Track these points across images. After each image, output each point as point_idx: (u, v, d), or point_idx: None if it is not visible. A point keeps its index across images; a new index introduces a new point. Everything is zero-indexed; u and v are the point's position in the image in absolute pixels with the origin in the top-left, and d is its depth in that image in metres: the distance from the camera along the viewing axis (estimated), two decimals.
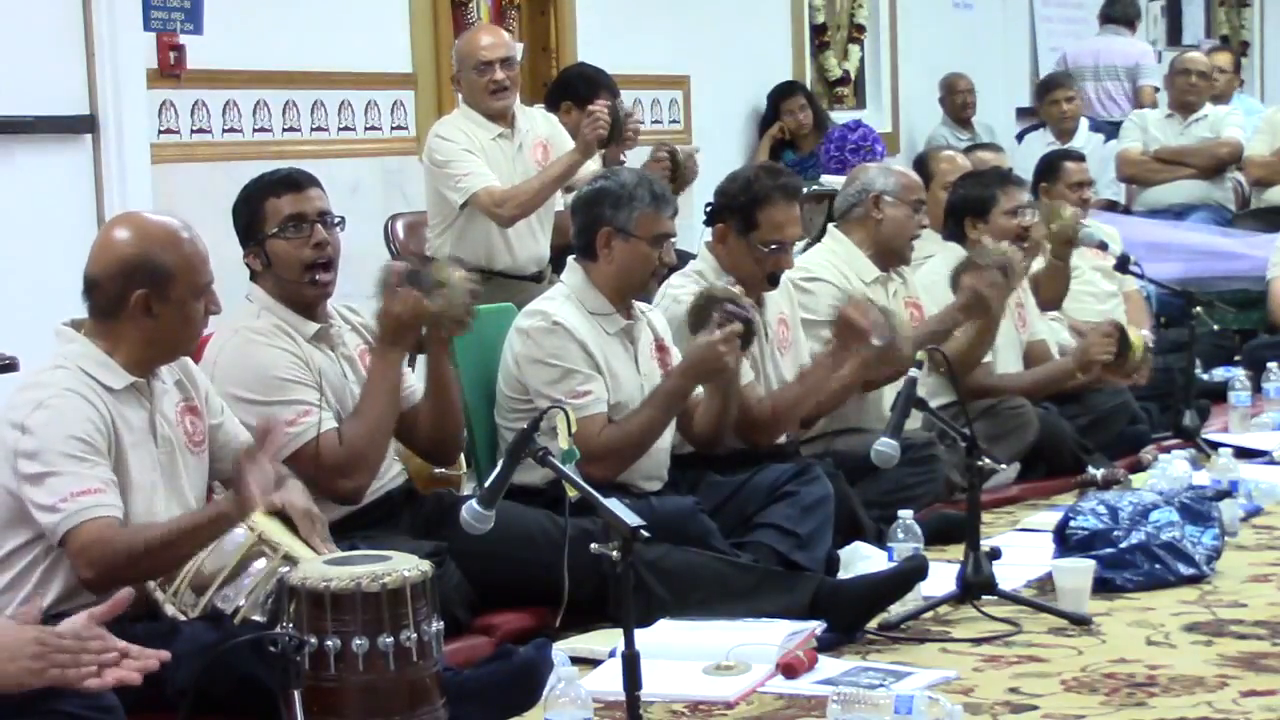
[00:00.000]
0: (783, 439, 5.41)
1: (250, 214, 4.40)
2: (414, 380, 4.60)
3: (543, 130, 6.58)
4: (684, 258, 5.66)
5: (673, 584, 4.44)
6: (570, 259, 5.02)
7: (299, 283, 4.38)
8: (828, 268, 5.88)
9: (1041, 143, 10.25)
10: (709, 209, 5.40)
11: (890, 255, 5.99)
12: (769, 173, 5.47)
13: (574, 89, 6.92)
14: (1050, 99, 10.31)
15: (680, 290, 5.21)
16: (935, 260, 6.42)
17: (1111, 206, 9.93)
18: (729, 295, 4.96)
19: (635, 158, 6.96)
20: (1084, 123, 10.35)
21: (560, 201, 6.55)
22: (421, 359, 4.61)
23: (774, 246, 5.27)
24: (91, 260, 3.77)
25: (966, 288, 5.90)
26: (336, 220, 4.42)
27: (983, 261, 5.94)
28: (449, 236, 6.42)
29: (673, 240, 4.98)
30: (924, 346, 5.24)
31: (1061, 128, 10.22)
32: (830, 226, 6.15)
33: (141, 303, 3.72)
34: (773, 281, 5.35)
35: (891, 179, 6.00)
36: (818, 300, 5.74)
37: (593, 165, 6.46)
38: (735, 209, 5.30)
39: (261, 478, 3.51)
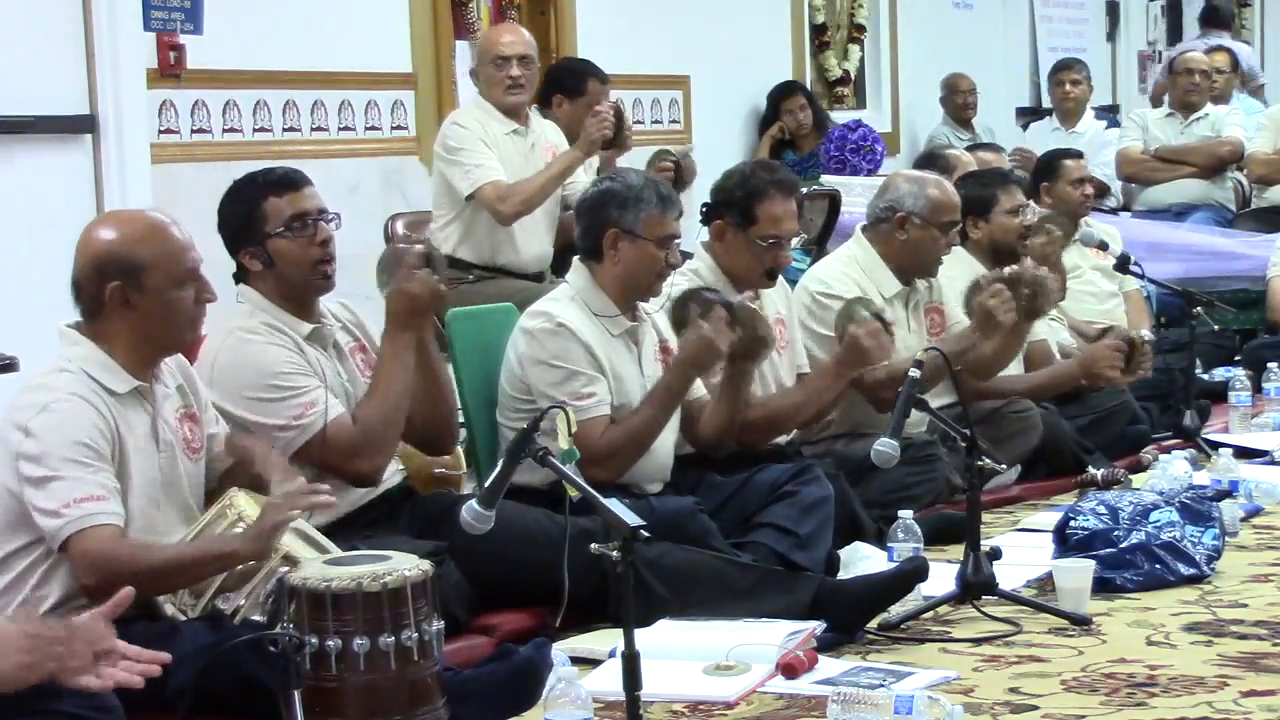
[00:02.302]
0: (781, 440, 5.41)
1: (246, 214, 4.35)
2: None
3: (553, 138, 6.64)
4: (685, 258, 5.66)
5: (673, 582, 4.44)
6: (575, 260, 5.02)
7: (306, 279, 4.37)
8: (846, 282, 5.79)
9: (1047, 129, 10.37)
10: (705, 207, 5.40)
11: (915, 272, 5.94)
12: (765, 168, 5.49)
13: (562, 83, 6.97)
14: (1057, 80, 10.48)
15: (677, 290, 5.20)
16: None
17: (1105, 191, 9.95)
18: (703, 287, 4.97)
19: (634, 159, 6.97)
20: (1090, 111, 10.44)
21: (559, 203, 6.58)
22: None
23: (771, 241, 5.27)
24: (73, 264, 3.78)
25: (979, 307, 5.83)
26: (332, 218, 4.42)
27: (987, 282, 5.86)
28: (455, 229, 6.44)
29: (678, 241, 4.99)
30: (927, 348, 5.21)
31: (1064, 109, 10.35)
32: (857, 229, 6.10)
33: (117, 295, 3.71)
34: (770, 277, 5.36)
35: (923, 201, 5.86)
36: (834, 316, 5.68)
37: (585, 174, 6.49)
38: (733, 204, 5.31)
39: (283, 527, 3.53)
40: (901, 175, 6.19)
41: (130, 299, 3.72)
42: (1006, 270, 5.95)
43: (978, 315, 5.81)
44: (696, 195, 6.65)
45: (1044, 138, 10.33)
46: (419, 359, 4.47)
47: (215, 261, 4.29)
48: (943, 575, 4.66)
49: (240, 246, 4.37)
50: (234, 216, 4.39)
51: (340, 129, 7.20)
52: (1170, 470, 5.76)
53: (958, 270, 6.20)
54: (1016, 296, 5.78)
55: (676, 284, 5.22)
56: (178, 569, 3.63)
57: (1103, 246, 7.45)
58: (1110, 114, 11.12)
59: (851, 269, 5.89)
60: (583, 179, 6.51)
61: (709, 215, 5.38)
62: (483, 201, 6.31)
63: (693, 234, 5.50)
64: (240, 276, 4.40)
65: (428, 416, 4.56)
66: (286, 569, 3.54)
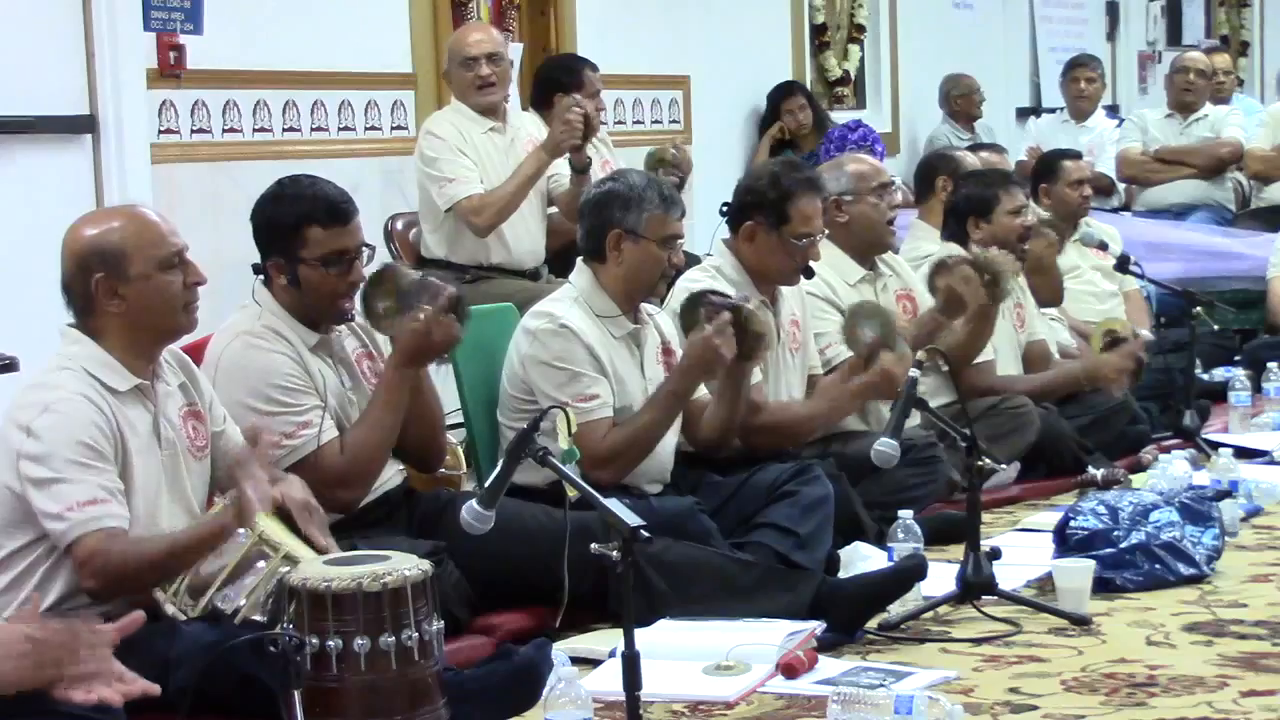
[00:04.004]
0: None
1: (285, 231, 4.31)
2: None
3: (533, 131, 6.64)
4: (689, 259, 5.65)
5: (674, 578, 4.43)
6: (578, 261, 5.02)
7: (326, 310, 4.36)
8: (812, 280, 5.81)
9: (1056, 122, 10.42)
10: (728, 208, 5.40)
11: (870, 248, 5.96)
12: (793, 167, 5.53)
13: (559, 81, 6.96)
14: (1071, 77, 10.54)
15: (695, 284, 5.20)
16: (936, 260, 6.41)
17: (1110, 189, 9.97)
18: (712, 290, 4.97)
19: (633, 159, 6.97)
20: (1101, 109, 10.58)
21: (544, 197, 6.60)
22: None
23: (806, 239, 5.29)
24: (60, 268, 3.78)
25: (941, 289, 5.87)
26: (370, 249, 4.41)
27: (953, 263, 5.90)
28: (443, 235, 6.45)
29: (681, 241, 4.99)
30: (926, 347, 5.22)
31: (1078, 107, 10.42)
32: None
33: (104, 288, 3.71)
34: (806, 273, 5.38)
35: (844, 179, 5.92)
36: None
37: (564, 166, 6.51)
38: (765, 205, 5.32)
39: (259, 486, 3.52)
40: (820, 169, 6.20)
41: (117, 289, 3.72)
42: (972, 254, 6.00)
43: (942, 295, 5.85)
44: (699, 197, 6.66)
45: (1054, 130, 10.37)
46: (417, 383, 4.46)
47: (217, 259, 4.30)
48: (943, 575, 4.66)
49: (269, 254, 4.34)
50: (270, 225, 4.35)
51: (340, 129, 7.20)
52: (1170, 470, 5.76)
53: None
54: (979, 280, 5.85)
55: (695, 279, 5.23)
56: (174, 554, 3.63)
57: (1103, 246, 7.45)
58: (1114, 113, 11.16)
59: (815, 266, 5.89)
60: (566, 172, 6.53)
61: (737, 217, 5.38)
62: (459, 216, 6.34)
63: (705, 232, 5.51)
64: (259, 270, 4.38)
65: (423, 439, 4.56)
66: (286, 569, 3.54)
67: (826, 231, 5.55)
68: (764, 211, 5.32)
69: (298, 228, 4.30)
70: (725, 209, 5.42)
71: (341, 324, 4.44)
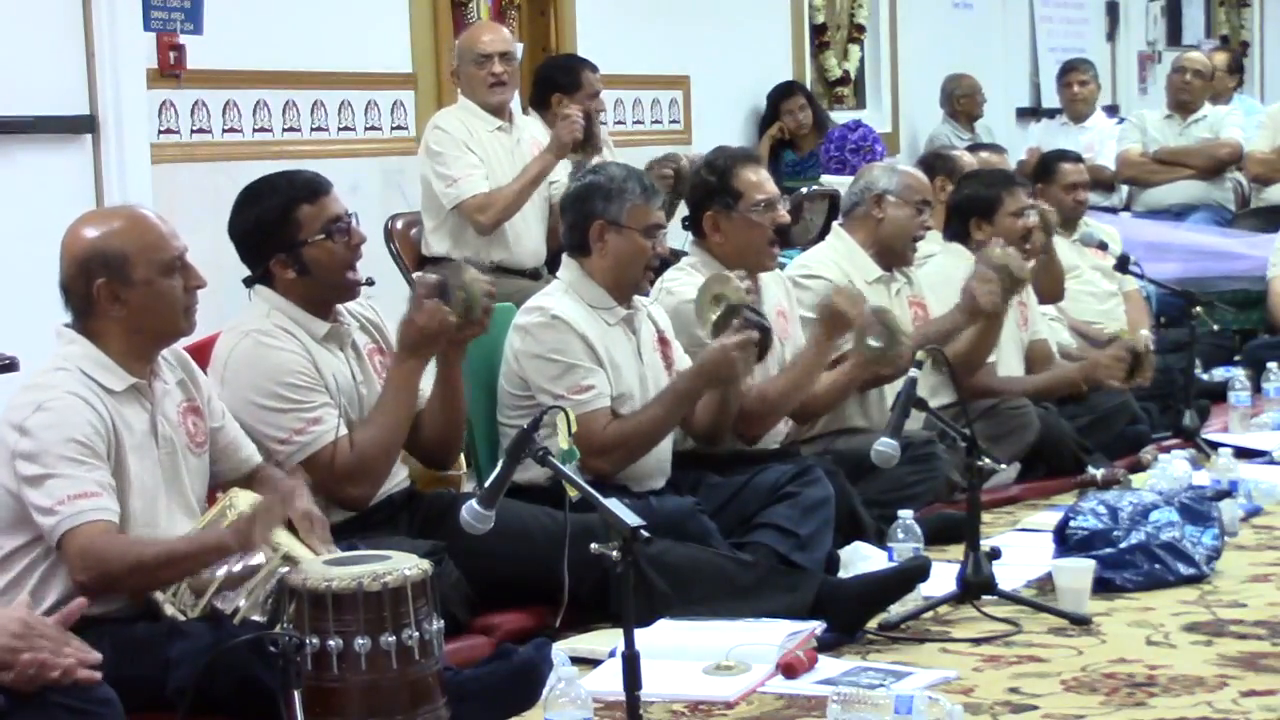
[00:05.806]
0: (782, 437, 5.41)
1: (276, 224, 4.29)
2: (424, 383, 4.58)
3: (537, 133, 6.66)
4: (679, 255, 5.68)
5: (675, 578, 4.42)
6: (565, 256, 5.03)
7: (341, 285, 4.36)
8: (828, 265, 5.89)
9: (1056, 124, 10.46)
10: (686, 218, 5.43)
11: (892, 255, 6.00)
12: (720, 151, 5.60)
13: (557, 81, 6.98)
14: (1065, 81, 10.60)
15: (675, 284, 5.24)
16: (937, 260, 6.42)
17: (1110, 186, 9.99)
18: (750, 304, 4.98)
19: (634, 159, 6.97)
20: (1100, 110, 10.63)
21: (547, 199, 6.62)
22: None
23: (764, 204, 5.32)
24: (59, 268, 3.78)
25: (967, 291, 5.89)
26: (352, 216, 4.42)
27: (986, 266, 5.94)
28: (445, 233, 6.46)
29: (664, 232, 5.01)
30: (926, 347, 5.23)
31: (1073, 110, 10.51)
32: (835, 224, 6.17)
33: (106, 292, 3.70)
34: (782, 236, 5.42)
35: (895, 179, 6.01)
36: (816, 297, 5.74)
37: (563, 173, 6.52)
38: (713, 191, 5.37)
39: (272, 523, 3.53)
40: (874, 164, 6.35)
41: (119, 293, 3.71)
42: (984, 252, 6.02)
43: (964, 297, 5.88)
44: None
45: (1054, 133, 10.39)
46: (445, 380, 4.46)
47: (217, 259, 4.30)
48: (943, 575, 4.66)
49: (268, 254, 4.32)
50: (260, 224, 4.33)
51: (340, 129, 7.21)
52: (1170, 470, 5.76)
53: (959, 270, 6.20)
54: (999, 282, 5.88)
55: (674, 278, 5.25)
56: (169, 562, 3.62)
57: (1103, 246, 7.45)
58: (1114, 113, 11.18)
59: (832, 255, 5.96)
60: (564, 179, 6.54)
61: (694, 215, 5.40)
62: (464, 214, 6.36)
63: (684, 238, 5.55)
64: (254, 280, 4.36)
65: (440, 435, 4.55)
66: (286, 569, 3.54)
67: (783, 200, 5.57)
68: (715, 197, 5.36)
69: (287, 215, 4.29)
70: (685, 221, 5.45)
71: (353, 299, 4.44)
